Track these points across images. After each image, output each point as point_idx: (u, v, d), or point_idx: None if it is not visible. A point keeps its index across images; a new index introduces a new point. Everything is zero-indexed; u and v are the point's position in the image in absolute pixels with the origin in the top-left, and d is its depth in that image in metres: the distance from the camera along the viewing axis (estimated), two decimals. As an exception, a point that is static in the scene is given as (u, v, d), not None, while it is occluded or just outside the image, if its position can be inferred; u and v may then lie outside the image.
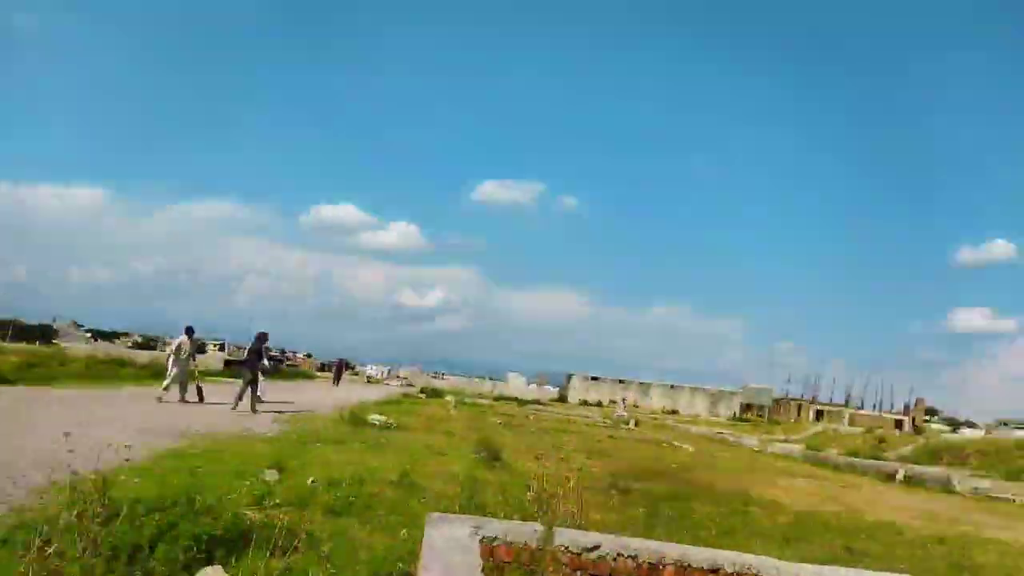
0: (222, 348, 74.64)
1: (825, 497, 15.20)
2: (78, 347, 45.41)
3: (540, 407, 50.70)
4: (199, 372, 18.65)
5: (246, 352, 19.36)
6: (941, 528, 11.98)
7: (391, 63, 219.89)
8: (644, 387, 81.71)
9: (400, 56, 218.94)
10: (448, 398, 32.76)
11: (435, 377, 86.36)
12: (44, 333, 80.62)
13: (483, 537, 3.87)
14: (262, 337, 17.68)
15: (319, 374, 63.62)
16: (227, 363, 33.54)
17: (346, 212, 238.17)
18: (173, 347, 17.82)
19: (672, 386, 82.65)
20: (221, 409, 16.06)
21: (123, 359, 32.30)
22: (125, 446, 5.57)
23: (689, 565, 4.03)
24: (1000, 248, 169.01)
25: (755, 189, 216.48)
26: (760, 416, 74.80)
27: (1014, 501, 18.54)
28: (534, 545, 3.83)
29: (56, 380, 19.87)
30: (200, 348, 35.31)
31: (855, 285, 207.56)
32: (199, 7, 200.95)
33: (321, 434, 13.16)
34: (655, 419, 54.04)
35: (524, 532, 3.92)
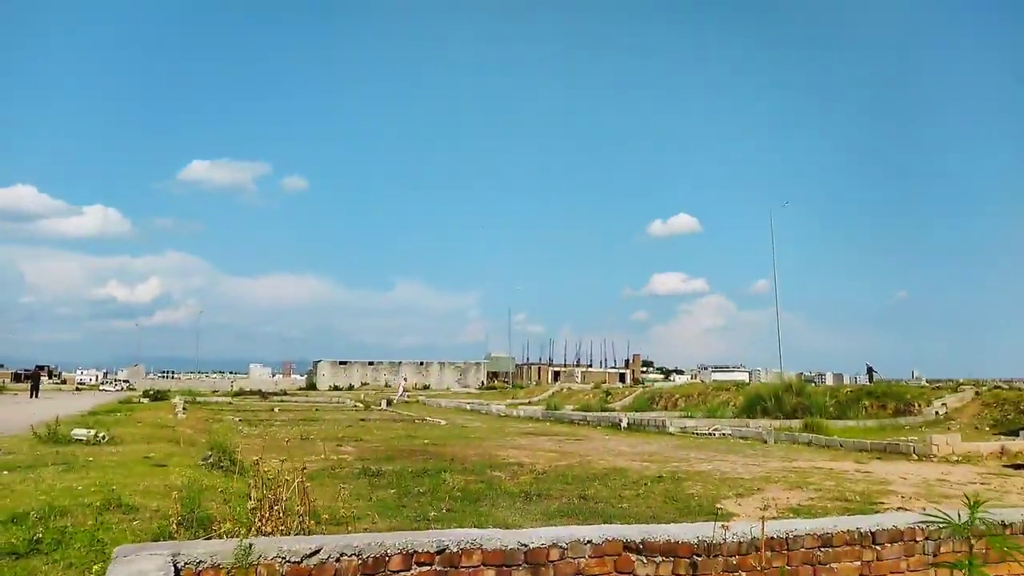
0: None
1: (563, 452, 16.36)
2: None
3: (287, 398, 48.38)
4: None
5: None
6: (658, 467, 13.49)
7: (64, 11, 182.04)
8: (394, 366, 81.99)
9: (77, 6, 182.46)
10: (176, 400, 29.63)
11: (163, 377, 78.30)
12: None
13: (185, 563, 3.31)
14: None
15: (14, 386, 54.17)
16: None
17: (23, 195, 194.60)
18: None
19: (422, 363, 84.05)
20: None
21: None
22: None
23: (415, 551, 3.86)
24: (684, 221, 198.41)
25: (480, 169, 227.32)
26: (505, 383, 79.21)
27: (713, 436, 21.66)
28: (245, 563, 3.35)
29: None
30: None
31: (572, 259, 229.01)
32: None
33: (8, 459, 10.96)
34: (408, 397, 54.47)
35: (232, 551, 3.42)
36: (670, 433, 22.62)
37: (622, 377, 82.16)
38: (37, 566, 5.22)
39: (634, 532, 4.53)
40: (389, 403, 42.31)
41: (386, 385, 73.41)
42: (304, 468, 5.48)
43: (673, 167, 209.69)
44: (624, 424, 25.40)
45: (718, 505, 8.53)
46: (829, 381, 58.06)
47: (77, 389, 60.61)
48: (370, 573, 3.76)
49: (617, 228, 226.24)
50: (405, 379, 66.86)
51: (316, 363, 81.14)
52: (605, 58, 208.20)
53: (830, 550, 4.86)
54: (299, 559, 3.57)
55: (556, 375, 79.84)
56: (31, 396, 35.59)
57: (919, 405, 25.78)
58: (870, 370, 41.29)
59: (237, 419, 24.21)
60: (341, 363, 79.99)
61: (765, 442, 19.43)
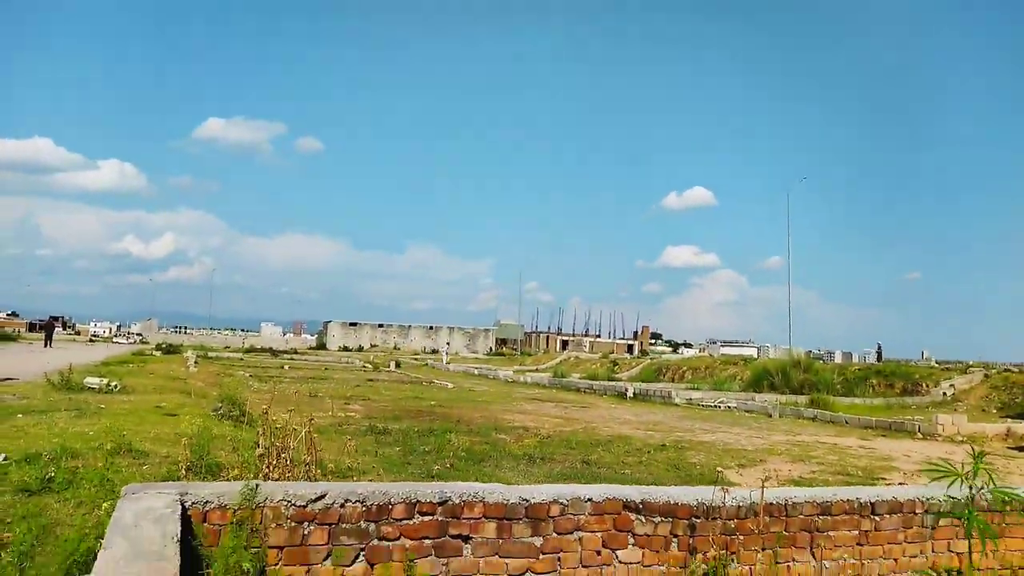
0: None
1: (568, 418, 16.48)
2: None
3: (297, 356, 48.85)
4: None
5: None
6: (662, 436, 13.57)
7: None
8: (404, 330, 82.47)
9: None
10: (188, 353, 29.98)
11: (176, 332, 79.18)
12: None
13: (193, 503, 3.38)
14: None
15: (29, 335, 54.99)
16: None
17: (41, 147, 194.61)
18: None
19: (431, 327, 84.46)
20: None
21: None
22: None
23: (418, 501, 3.92)
24: (699, 194, 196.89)
25: (498, 138, 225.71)
26: (514, 350, 79.60)
27: (718, 408, 21.73)
28: (252, 504, 3.42)
29: None
30: None
31: (586, 230, 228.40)
32: None
33: (23, 404, 11.17)
34: (417, 359, 54.90)
35: (240, 492, 3.49)
36: (676, 404, 22.71)
37: (630, 348, 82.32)
38: (49, 503, 5.35)
39: (634, 492, 4.58)
40: (398, 365, 42.67)
41: (395, 347, 73.97)
42: (312, 419, 5.55)
43: (691, 140, 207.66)
44: (630, 394, 25.52)
45: (719, 469, 8.58)
46: (838, 359, 57.90)
47: (91, 340, 61.42)
48: (374, 520, 3.83)
49: (632, 199, 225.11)
50: (448, 344, 67.29)
51: (326, 324, 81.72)
52: (628, 31, 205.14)
53: (828, 518, 4.90)
54: (304, 503, 3.63)
55: (564, 344, 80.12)
56: (45, 345, 36.11)
57: (927, 385, 25.71)
58: (879, 349, 41.16)
59: (248, 374, 24.50)
60: (351, 324, 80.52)
61: (770, 416, 19.48)
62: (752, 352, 68.27)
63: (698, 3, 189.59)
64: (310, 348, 72.98)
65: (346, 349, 70.19)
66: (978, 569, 4.90)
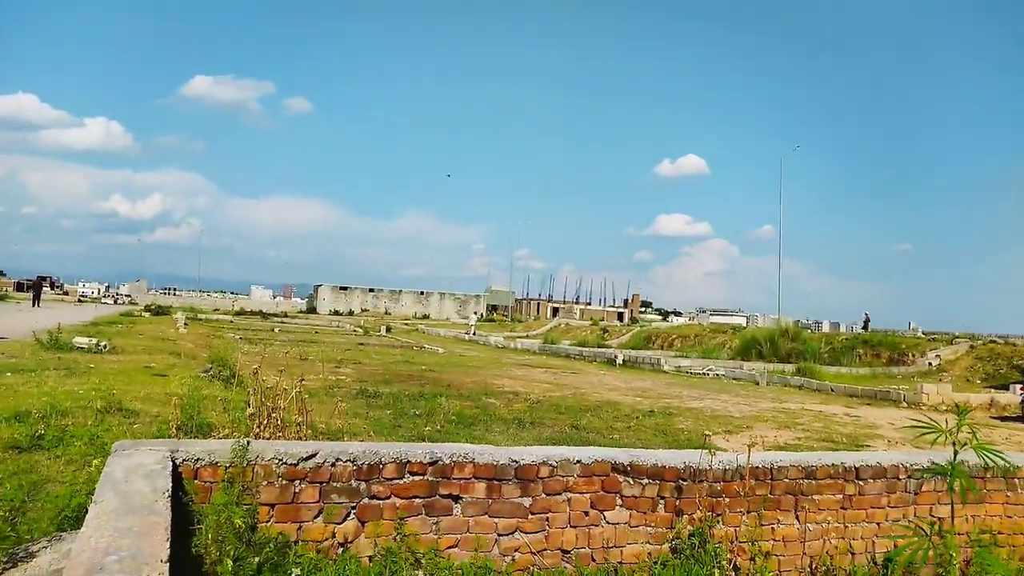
0: None
1: (557, 384, 16.59)
2: None
3: (287, 320, 48.81)
4: None
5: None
6: (651, 402, 13.70)
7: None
8: (395, 294, 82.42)
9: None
10: (178, 315, 29.88)
11: (165, 294, 78.83)
12: None
13: (184, 460, 3.38)
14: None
15: (16, 295, 54.59)
16: None
17: (25, 103, 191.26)
18: None
19: (422, 292, 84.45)
20: None
21: None
22: None
23: (409, 461, 3.95)
24: (692, 162, 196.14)
25: (489, 103, 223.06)
26: (504, 316, 79.77)
27: (706, 376, 21.93)
28: (243, 462, 3.43)
29: None
30: None
31: (578, 197, 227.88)
32: None
33: (11, 363, 11.11)
34: (407, 324, 54.96)
35: (231, 449, 3.50)
36: (664, 371, 22.90)
37: (620, 316, 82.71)
38: (39, 460, 5.36)
39: (622, 455, 4.62)
40: (388, 329, 42.72)
41: (386, 312, 73.99)
42: (303, 381, 5.55)
43: (684, 107, 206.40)
44: (619, 360, 25.69)
45: (706, 434, 8.68)
46: (826, 329, 58.44)
47: (79, 301, 61.08)
48: (364, 479, 3.86)
49: (625, 166, 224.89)
50: (475, 313, 67.30)
51: (317, 287, 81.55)
52: (621, 2, 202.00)
53: (813, 482, 4.97)
54: (295, 461, 3.65)
55: (555, 311, 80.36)
56: (33, 305, 35.88)
57: (913, 356, 26.02)
58: (866, 319, 41.51)
59: (237, 336, 24.47)
60: (342, 288, 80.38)
61: (757, 384, 19.69)
62: (741, 321, 68.84)
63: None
64: (300, 312, 72.93)
65: (337, 313, 70.16)
66: (959, 533, 5.00)
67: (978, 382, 22.45)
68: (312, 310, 75.01)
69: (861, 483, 5.15)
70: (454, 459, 4.09)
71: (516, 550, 4.20)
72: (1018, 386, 18.29)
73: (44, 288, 48.24)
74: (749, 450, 4.71)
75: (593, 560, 4.38)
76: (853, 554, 5.01)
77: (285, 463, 3.61)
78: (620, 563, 4.40)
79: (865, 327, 40.34)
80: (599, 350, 30.73)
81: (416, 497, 4.02)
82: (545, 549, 4.26)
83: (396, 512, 3.93)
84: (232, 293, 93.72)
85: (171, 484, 2.95)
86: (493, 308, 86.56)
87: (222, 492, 3.37)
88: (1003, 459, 4.28)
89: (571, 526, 4.37)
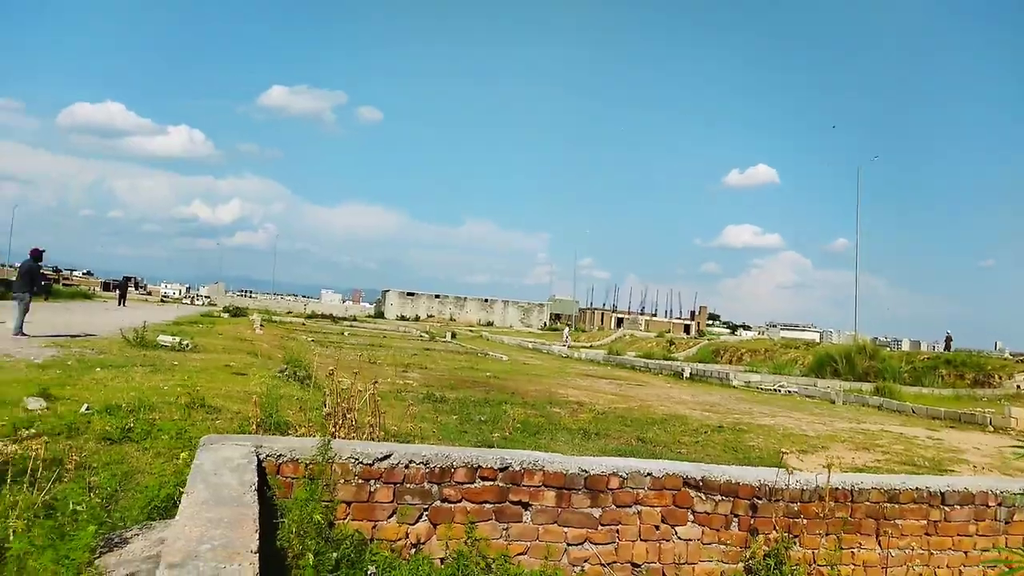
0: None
1: (623, 395, 16.42)
2: None
3: (356, 323, 49.92)
4: None
5: (18, 272, 16.94)
6: (719, 418, 13.40)
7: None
8: (460, 301, 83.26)
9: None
10: (254, 317, 30.98)
11: (241, 296, 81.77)
12: None
13: (268, 455, 3.51)
14: (36, 255, 15.35)
15: (103, 294, 57.65)
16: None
17: (112, 112, 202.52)
18: None
19: (487, 300, 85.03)
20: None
21: None
22: None
23: (480, 466, 3.98)
24: (762, 172, 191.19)
25: (556, 112, 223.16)
26: (568, 325, 79.52)
27: (778, 392, 21.31)
28: (323, 460, 3.54)
29: None
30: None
31: (644, 206, 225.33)
32: None
33: (101, 358, 11.75)
34: (472, 331, 55.42)
35: (312, 447, 3.61)
36: (733, 386, 22.36)
37: (687, 328, 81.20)
38: (129, 451, 5.64)
39: (694, 470, 4.54)
40: (453, 336, 43.16)
41: (451, 318, 74.80)
42: (376, 383, 5.68)
43: (754, 115, 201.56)
44: (687, 374, 25.23)
45: (782, 452, 8.44)
46: (905, 347, 55.93)
47: (162, 301, 63.99)
48: (436, 481, 3.91)
49: (692, 176, 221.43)
50: (570, 326, 67.81)
51: (384, 292, 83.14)
52: (691, 17, 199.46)
53: (896, 506, 4.77)
54: (371, 461, 3.73)
55: (619, 321, 79.56)
56: (119, 304, 37.77)
57: (999, 377, 24.64)
58: (948, 338, 39.58)
59: (310, 339, 25.19)
60: (408, 294, 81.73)
61: (833, 402, 19.00)
62: (814, 336, 66.54)
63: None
64: (368, 316, 74.48)
65: (403, 318, 71.38)
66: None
67: (1074, 408, 21.04)
68: (380, 315, 76.51)
69: (947, 509, 4.91)
70: (524, 466, 4.10)
71: (586, 561, 4.18)
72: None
73: (129, 288, 50.72)
74: (829, 470, 4.56)
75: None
76: (939, 583, 4.78)
77: (361, 463, 3.70)
78: (691, 580, 4.32)
79: (947, 347, 38.46)
80: (665, 362, 30.27)
81: (486, 502, 4.05)
82: (615, 562, 4.22)
83: (467, 516, 3.97)
84: (304, 296, 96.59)
85: (256, 478, 3.07)
86: (556, 317, 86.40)
87: (303, 488, 3.48)
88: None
89: (641, 540, 4.32)
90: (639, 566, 4.25)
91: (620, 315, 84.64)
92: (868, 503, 4.72)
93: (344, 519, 3.67)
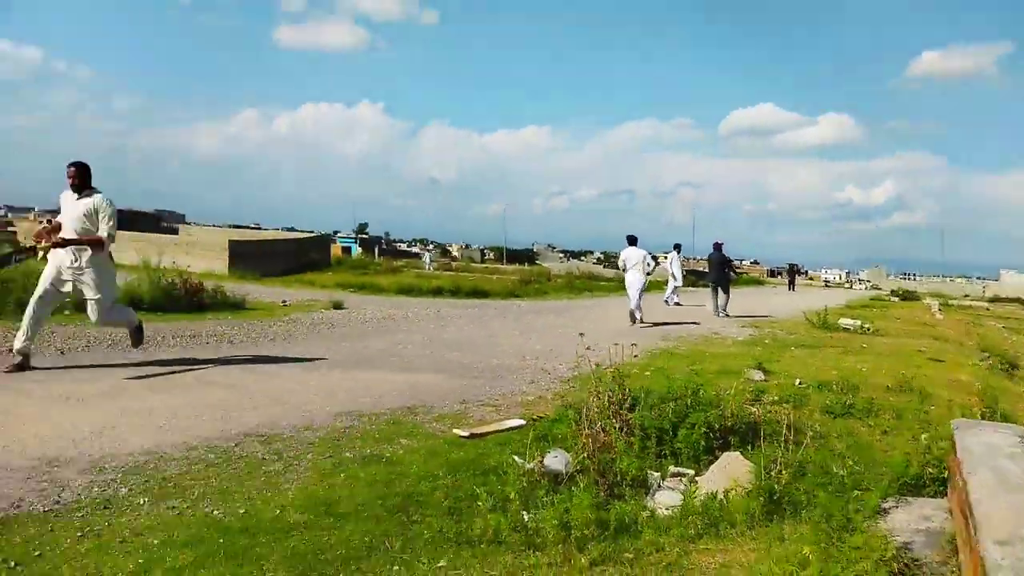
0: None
1: None
2: (556, 266, 53.07)
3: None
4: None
5: (708, 263, 20.28)
6: None
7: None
8: None
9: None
10: (928, 300, 28.72)
11: (904, 279, 77.12)
12: (528, 255, 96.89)
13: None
14: (719, 246, 17.95)
15: (770, 279, 62.43)
16: (691, 273, 35.11)
17: (763, 113, 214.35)
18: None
19: None
20: (688, 312, 16.85)
21: (593, 274, 36.65)
22: (632, 344, 6.19)
23: None
24: None
25: None
26: None
27: None
28: None
29: (547, 294, 23.49)
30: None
31: None
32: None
33: (792, 338, 12.85)
34: None
35: None
36: None
37: None
38: (855, 426, 6.00)
39: None
40: None
41: None
42: None
43: None
44: None
45: None
46: None
47: (825, 285, 65.62)
48: None
49: None
50: None
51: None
52: None
53: None
54: None
55: None
56: (789, 289, 40.25)
57: None
58: None
59: (1000, 326, 22.00)
60: None
61: None
62: None
63: None
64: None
65: None
66: None
67: None
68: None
69: None
70: None
71: None
72: None
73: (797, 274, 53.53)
74: None
75: None
76: None
77: None
78: None
79: None
80: None
81: None
82: None
83: None
84: (978, 278, 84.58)
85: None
86: None
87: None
88: None
89: None
90: None
91: None
92: None
93: None
